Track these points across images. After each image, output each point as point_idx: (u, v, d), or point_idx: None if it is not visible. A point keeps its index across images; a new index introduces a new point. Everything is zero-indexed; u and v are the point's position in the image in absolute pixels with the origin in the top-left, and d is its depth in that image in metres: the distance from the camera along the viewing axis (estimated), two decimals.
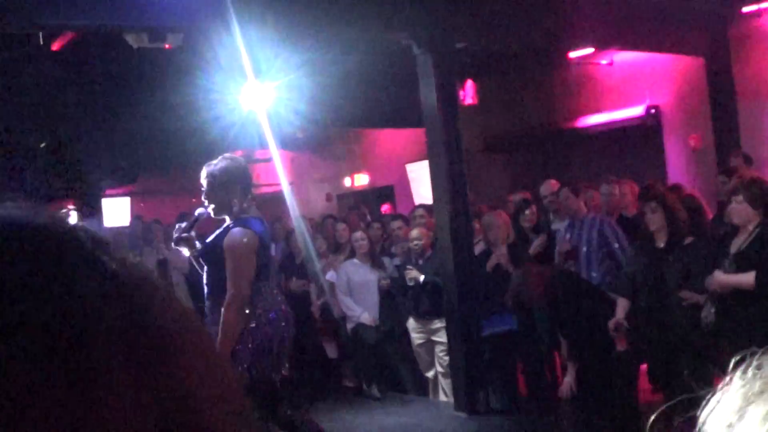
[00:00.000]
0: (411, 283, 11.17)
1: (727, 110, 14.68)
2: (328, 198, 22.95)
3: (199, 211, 7.36)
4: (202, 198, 7.23)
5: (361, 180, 22.46)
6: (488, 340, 10.67)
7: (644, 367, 9.76)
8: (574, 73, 17.26)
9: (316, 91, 14.57)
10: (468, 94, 17.13)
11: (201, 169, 7.26)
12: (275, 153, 16.77)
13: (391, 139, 20.73)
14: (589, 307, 9.72)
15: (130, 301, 0.71)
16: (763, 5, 13.84)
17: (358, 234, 12.30)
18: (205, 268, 7.21)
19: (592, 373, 9.83)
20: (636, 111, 16.33)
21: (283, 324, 7.17)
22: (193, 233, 7.48)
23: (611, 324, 9.24)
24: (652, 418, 1.07)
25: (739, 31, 14.64)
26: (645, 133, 16.34)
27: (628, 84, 16.46)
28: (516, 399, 10.94)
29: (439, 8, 11.01)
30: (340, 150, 22.22)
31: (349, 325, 12.14)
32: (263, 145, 17.33)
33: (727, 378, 0.87)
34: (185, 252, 7.52)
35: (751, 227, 8.21)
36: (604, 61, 16.69)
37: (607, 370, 9.46)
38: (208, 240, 7.27)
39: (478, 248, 11.10)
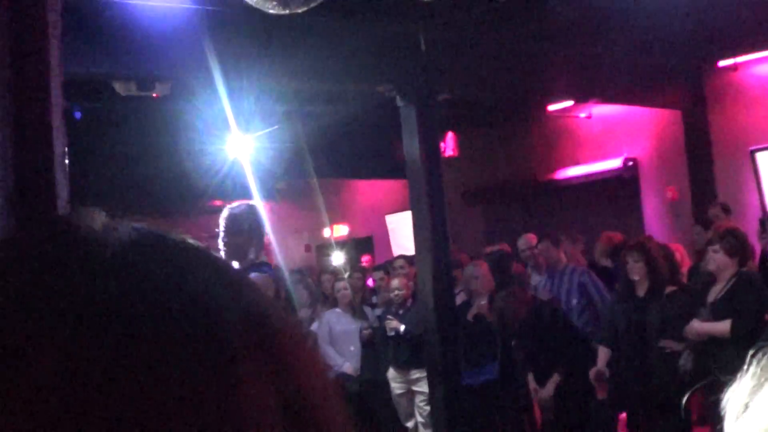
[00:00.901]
0: (391, 333, 11.22)
1: (703, 162, 14.84)
2: (307, 248, 22.96)
3: None
4: (219, 241, 7.10)
5: (341, 231, 22.49)
6: (469, 390, 10.70)
7: (623, 416, 9.85)
8: (553, 126, 17.40)
9: (297, 142, 14.67)
10: (449, 146, 17.25)
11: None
12: (259, 203, 16.82)
13: (371, 190, 20.82)
14: (569, 344, 9.77)
15: (255, 306, 0.78)
16: (739, 59, 14.03)
17: (341, 284, 12.33)
18: None
19: (572, 421, 9.88)
20: (614, 163, 16.46)
21: None
22: None
23: (592, 373, 9.33)
24: None
25: (715, 85, 14.82)
26: (623, 185, 16.47)
27: (606, 137, 16.61)
28: None
29: (422, 61, 11.12)
30: (320, 201, 22.27)
31: (330, 375, 12.14)
32: (243, 195, 17.39)
33: (745, 366, 0.97)
34: None
35: (727, 276, 8.35)
36: (582, 114, 16.84)
37: (587, 418, 9.53)
38: None
39: (460, 298, 11.17)
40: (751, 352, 0.98)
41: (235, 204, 7.22)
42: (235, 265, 6.89)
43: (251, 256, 7.00)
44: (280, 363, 0.74)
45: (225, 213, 7.08)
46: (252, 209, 7.20)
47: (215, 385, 0.68)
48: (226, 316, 0.71)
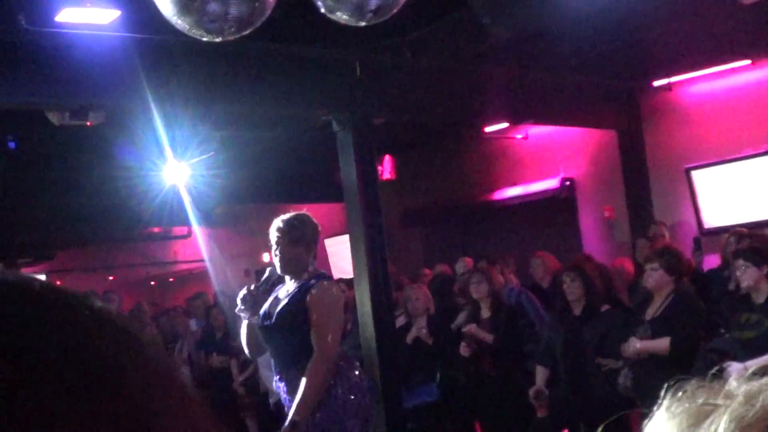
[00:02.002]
0: None
1: (639, 181, 14.95)
2: (246, 273, 22.88)
3: (270, 269, 6.72)
4: (273, 252, 6.59)
5: None
6: (411, 412, 10.69)
7: None
8: (489, 147, 17.48)
9: (235, 167, 14.64)
10: (386, 168, 17.30)
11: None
12: (196, 229, 16.76)
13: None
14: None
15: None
16: (674, 79, 14.18)
17: None
18: (277, 338, 6.51)
19: None
20: (551, 183, 16.55)
21: (360, 395, 6.45)
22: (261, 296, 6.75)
23: (532, 392, 9.38)
24: None
25: (650, 104, 14.95)
26: (560, 205, 16.55)
27: (542, 157, 16.71)
28: None
29: (357, 86, 11.15)
30: (258, 225, 22.17)
31: (272, 400, 12.09)
32: (182, 222, 17.34)
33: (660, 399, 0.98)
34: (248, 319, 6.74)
35: (665, 293, 8.43)
36: (519, 135, 16.93)
37: None
38: (283, 304, 6.50)
39: (400, 321, 11.17)
40: (666, 385, 0.98)
41: (288, 214, 6.71)
42: (295, 277, 6.57)
43: (311, 268, 6.56)
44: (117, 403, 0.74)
45: (279, 224, 6.63)
46: (307, 218, 6.73)
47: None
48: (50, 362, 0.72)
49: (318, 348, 6.19)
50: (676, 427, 0.93)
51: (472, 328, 10.23)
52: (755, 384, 0.93)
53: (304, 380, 6.15)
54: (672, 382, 0.99)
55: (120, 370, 0.76)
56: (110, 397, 0.73)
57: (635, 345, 8.33)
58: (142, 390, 0.77)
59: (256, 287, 6.65)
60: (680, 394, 0.96)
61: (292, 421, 6.07)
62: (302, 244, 6.52)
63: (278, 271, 6.57)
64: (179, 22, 5.79)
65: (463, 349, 10.20)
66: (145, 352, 0.81)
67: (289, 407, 6.24)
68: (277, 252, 6.54)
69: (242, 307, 6.61)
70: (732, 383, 0.94)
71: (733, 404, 0.90)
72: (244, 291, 6.64)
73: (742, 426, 0.88)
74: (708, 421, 0.90)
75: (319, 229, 6.75)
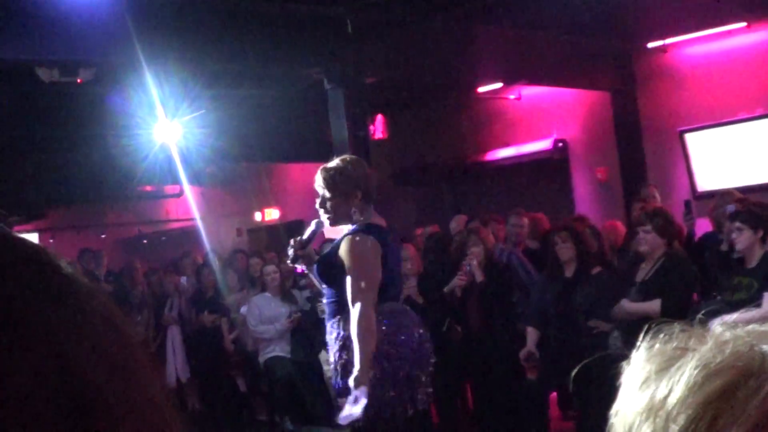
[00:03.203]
0: (322, 316, 11.16)
1: (633, 143, 14.94)
2: (239, 233, 22.88)
3: (315, 221, 6.47)
4: (317, 206, 6.37)
5: (272, 214, 22.41)
6: None
7: (554, 395, 9.90)
8: (482, 108, 17.42)
9: (226, 126, 14.57)
10: (378, 128, 17.23)
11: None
12: (186, 188, 16.71)
13: (302, 174, 20.71)
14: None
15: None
16: (668, 41, 14.11)
17: (270, 268, 12.25)
18: (325, 288, 6.34)
19: (502, 401, 9.90)
20: (544, 144, 16.51)
21: (416, 347, 6.25)
22: (311, 248, 6.65)
23: (522, 354, 9.37)
24: None
25: (644, 66, 14.91)
26: (553, 166, 16.54)
27: (536, 118, 16.66)
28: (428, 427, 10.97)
29: (349, 44, 11.09)
30: (250, 184, 22.15)
31: (261, 359, 12.09)
32: (173, 180, 17.28)
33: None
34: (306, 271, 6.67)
35: (656, 256, 8.41)
36: (512, 96, 16.87)
37: (518, 398, 9.56)
38: (320, 256, 6.50)
39: None
40: (646, 326, 0.97)
41: (330, 163, 6.38)
42: (343, 228, 6.35)
43: (355, 217, 6.25)
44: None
45: (320, 174, 6.35)
46: (351, 165, 6.34)
47: None
48: None
49: (351, 300, 5.96)
50: (646, 370, 0.91)
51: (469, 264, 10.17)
52: (729, 332, 0.91)
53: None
54: (653, 324, 0.98)
55: (34, 309, 0.76)
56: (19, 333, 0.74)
57: (626, 307, 8.33)
58: (61, 329, 0.76)
59: (300, 240, 6.49)
60: (660, 336, 0.95)
61: (354, 378, 5.89)
62: (339, 194, 6.24)
63: (327, 224, 6.40)
64: None
65: (459, 280, 10.14)
66: (67, 290, 0.80)
67: (336, 361, 6.17)
68: (320, 205, 6.35)
69: (293, 259, 6.52)
70: (716, 329, 0.92)
71: (703, 349, 0.88)
72: (292, 243, 6.51)
73: (708, 372, 0.86)
74: (676, 366, 0.88)
75: (366, 173, 6.36)
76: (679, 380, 0.88)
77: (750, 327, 0.93)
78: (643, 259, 8.58)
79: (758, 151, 13.28)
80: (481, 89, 16.18)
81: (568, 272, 9.06)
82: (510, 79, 15.22)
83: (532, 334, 9.42)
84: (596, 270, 9.00)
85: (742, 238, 7.89)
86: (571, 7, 11.50)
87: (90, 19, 9.21)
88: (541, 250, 10.65)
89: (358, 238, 6.10)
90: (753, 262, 7.83)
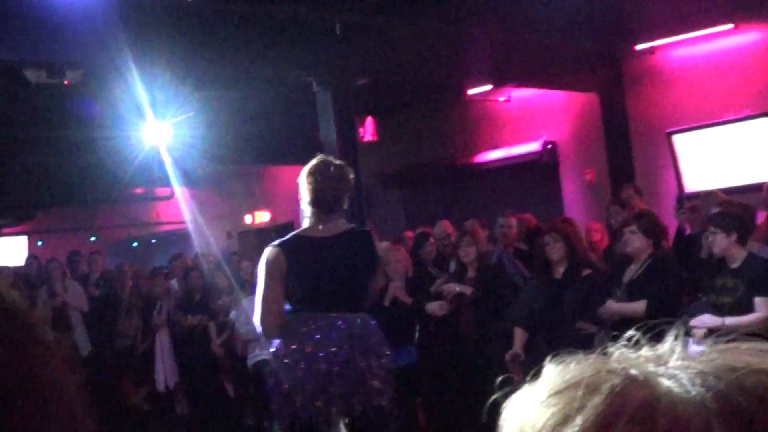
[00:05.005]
0: None
1: (621, 145, 14.97)
2: (229, 235, 22.85)
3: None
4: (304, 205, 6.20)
5: (262, 217, 22.40)
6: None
7: None
8: (472, 110, 17.44)
9: (216, 128, 14.57)
10: (368, 130, 17.23)
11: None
12: (177, 190, 16.68)
13: (292, 176, 20.63)
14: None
15: None
16: (656, 42, 14.14)
17: None
18: None
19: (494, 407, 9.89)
20: (533, 147, 16.54)
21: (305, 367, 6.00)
22: None
23: (508, 355, 9.34)
24: None
25: (632, 68, 14.95)
26: (542, 168, 16.56)
27: (525, 120, 16.68)
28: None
29: (339, 46, 11.09)
30: (241, 187, 22.14)
31: (250, 362, 12.07)
32: (163, 183, 17.27)
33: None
34: None
35: (643, 257, 8.42)
36: (501, 98, 16.90)
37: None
38: None
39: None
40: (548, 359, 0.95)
41: (314, 162, 6.19)
42: (344, 224, 6.23)
43: (303, 223, 6.28)
44: None
45: (347, 173, 6.22)
46: (310, 168, 6.18)
47: None
48: None
49: None
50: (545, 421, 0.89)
51: (449, 286, 10.20)
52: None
53: None
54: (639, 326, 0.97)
55: None
56: None
57: (611, 307, 8.35)
58: None
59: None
60: (556, 371, 0.92)
61: None
62: (301, 197, 6.16)
63: None
64: None
65: (438, 308, 10.15)
66: None
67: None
68: (306, 205, 6.20)
69: None
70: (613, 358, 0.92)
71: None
72: None
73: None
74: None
75: (318, 179, 6.09)
76: None
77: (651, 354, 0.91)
78: (631, 260, 8.60)
79: (745, 152, 13.31)
80: (471, 91, 16.19)
81: (558, 273, 9.04)
82: (499, 81, 15.25)
83: (519, 335, 9.38)
84: (587, 272, 8.99)
85: (717, 242, 7.94)
86: (559, 10, 11.52)
87: (78, 21, 9.20)
88: (529, 251, 10.66)
89: (266, 249, 6.10)
90: (736, 263, 7.85)
